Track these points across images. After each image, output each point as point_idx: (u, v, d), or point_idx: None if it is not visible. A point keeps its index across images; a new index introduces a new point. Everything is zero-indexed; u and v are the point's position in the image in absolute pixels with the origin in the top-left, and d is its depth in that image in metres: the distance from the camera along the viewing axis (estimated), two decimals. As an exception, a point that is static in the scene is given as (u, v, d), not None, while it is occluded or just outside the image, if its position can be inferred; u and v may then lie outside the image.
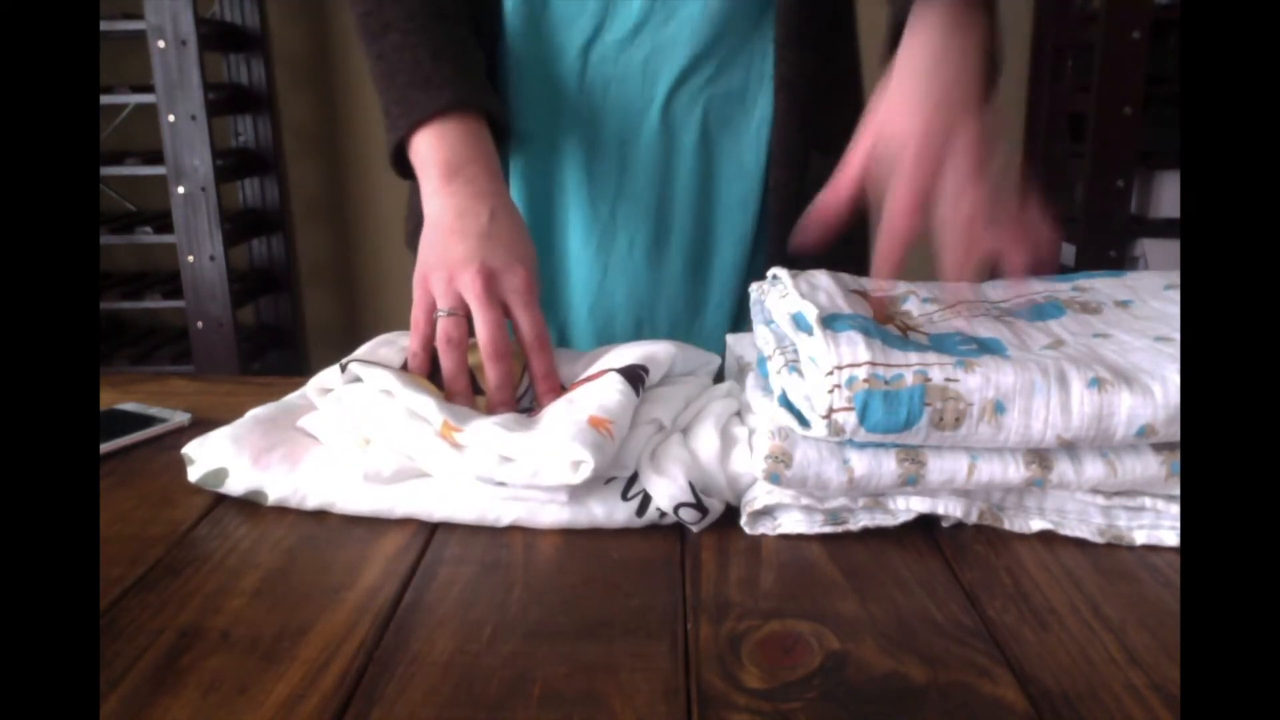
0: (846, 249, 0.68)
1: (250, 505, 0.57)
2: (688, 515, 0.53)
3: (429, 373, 0.63)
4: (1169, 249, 2.10)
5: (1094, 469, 0.51)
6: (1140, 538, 0.52)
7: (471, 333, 0.63)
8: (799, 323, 0.55)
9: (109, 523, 0.55)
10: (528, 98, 0.80)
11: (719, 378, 0.68)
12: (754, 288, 0.65)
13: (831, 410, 0.50)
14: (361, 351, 0.64)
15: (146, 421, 0.68)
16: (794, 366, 0.53)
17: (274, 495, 0.56)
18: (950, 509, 0.53)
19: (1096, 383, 0.50)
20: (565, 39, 0.78)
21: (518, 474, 0.52)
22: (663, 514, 0.53)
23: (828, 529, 0.53)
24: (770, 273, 0.63)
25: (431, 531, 0.54)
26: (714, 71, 0.78)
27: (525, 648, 0.43)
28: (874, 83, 0.65)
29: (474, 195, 0.67)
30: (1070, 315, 0.61)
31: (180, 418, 0.69)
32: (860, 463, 0.51)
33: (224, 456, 0.57)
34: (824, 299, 0.56)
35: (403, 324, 0.66)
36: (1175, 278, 0.65)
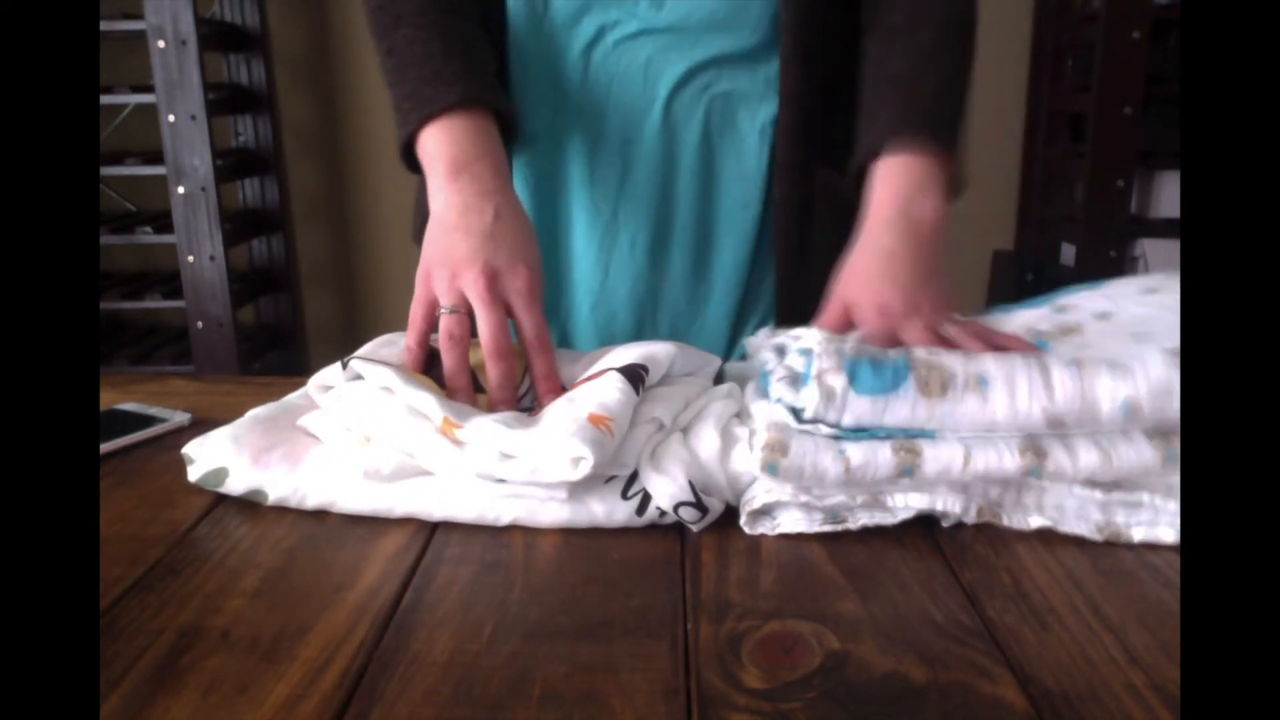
0: None
1: (250, 505, 0.57)
2: (688, 514, 0.53)
3: (425, 368, 0.63)
4: (1169, 249, 2.10)
5: (1089, 457, 0.51)
6: (1138, 534, 0.52)
7: (473, 331, 0.63)
8: (788, 347, 0.57)
9: (109, 523, 0.55)
10: (531, 96, 0.80)
11: (719, 379, 0.68)
12: (748, 342, 0.69)
13: (822, 372, 0.50)
14: (363, 351, 0.64)
15: (146, 421, 0.68)
16: (793, 382, 0.54)
17: (274, 495, 0.56)
18: (949, 505, 0.53)
19: (1076, 364, 0.52)
20: (568, 39, 0.78)
21: (517, 471, 0.52)
22: (663, 513, 0.53)
23: (827, 528, 0.53)
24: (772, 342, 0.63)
25: (431, 531, 0.54)
26: (718, 74, 0.78)
27: (525, 648, 0.43)
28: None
29: (479, 192, 0.67)
30: (1055, 346, 0.62)
31: (180, 418, 0.69)
32: (856, 453, 0.51)
33: (224, 456, 0.57)
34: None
35: (403, 323, 0.66)
36: (1153, 281, 0.65)
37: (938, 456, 0.52)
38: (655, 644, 0.43)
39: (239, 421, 0.61)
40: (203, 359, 2.15)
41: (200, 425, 0.67)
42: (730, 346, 0.86)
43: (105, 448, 0.64)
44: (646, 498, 0.54)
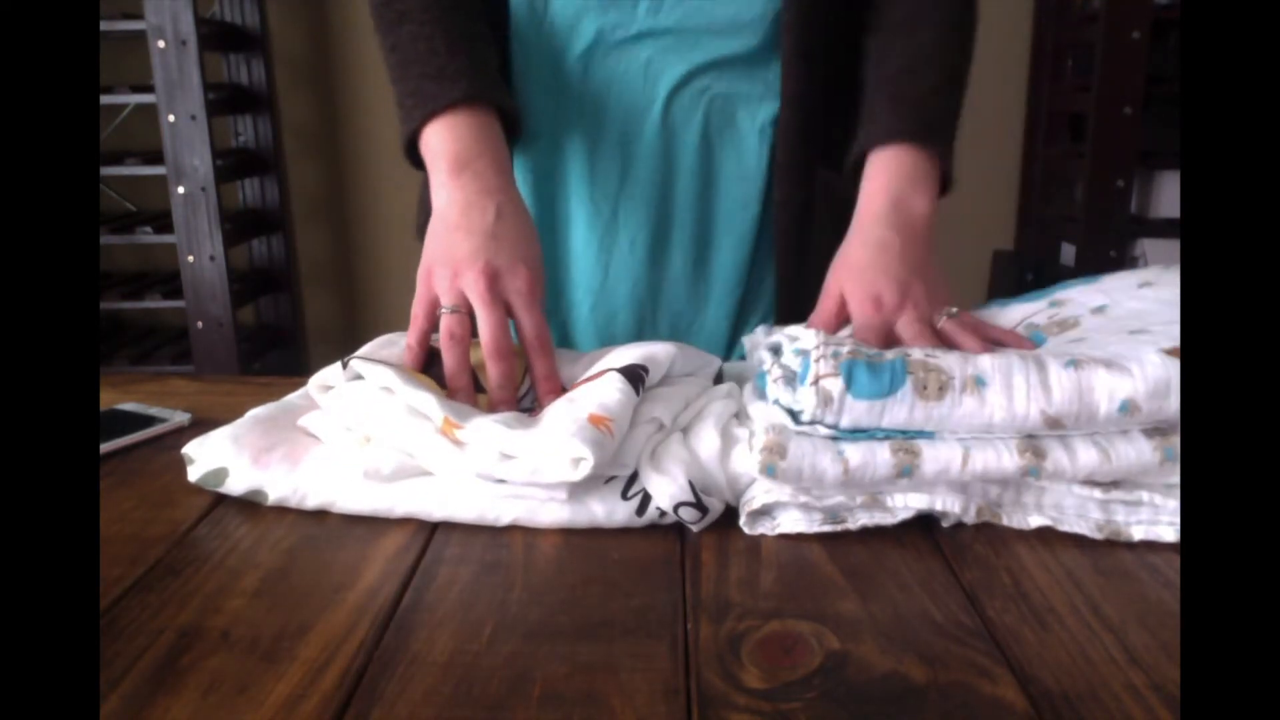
0: None
1: (250, 505, 0.57)
2: (688, 514, 0.53)
3: (425, 367, 0.63)
4: (1169, 249, 2.10)
5: (1088, 456, 0.51)
6: (1138, 533, 0.52)
7: (474, 330, 0.63)
8: (784, 347, 0.57)
9: (109, 523, 0.55)
10: (533, 94, 0.80)
11: (719, 379, 0.68)
12: (746, 339, 0.69)
13: (819, 377, 0.51)
14: (364, 351, 0.64)
15: (146, 421, 0.68)
16: (789, 382, 0.54)
17: (274, 495, 0.56)
18: (948, 505, 0.53)
19: (1073, 363, 0.52)
20: (568, 39, 0.78)
21: (518, 471, 0.52)
22: (662, 513, 0.53)
23: (827, 528, 0.53)
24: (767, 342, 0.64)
25: (431, 531, 0.54)
26: (717, 75, 0.78)
27: (525, 648, 0.43)
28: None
29: (481, 190, 0.67)
30: (1051, 340, 0.62)
31: (180, 418, 0.69)
32: (855, 454, 0.51)
33: (224, 456, 0.57)
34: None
35: (403, 323, 0.66)
36: (1148, 275, 0.65)
37: (936, 457, 0.52)
38: (655, 644, 0.43)
39: (239, 421, 0.61)
40: (203, 359, 2.15)
41: (200, 425, 0.67)
42: (730, 346, 0.86)
43: (105, 448, 0.64)
44: (646, 498, 0.54)
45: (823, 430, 0.52)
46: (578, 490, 0.53)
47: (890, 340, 0.63)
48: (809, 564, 0.50)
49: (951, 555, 0.51)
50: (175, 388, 0.78)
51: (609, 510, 0.54)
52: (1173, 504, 0.52)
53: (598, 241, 0.83)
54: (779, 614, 0.46)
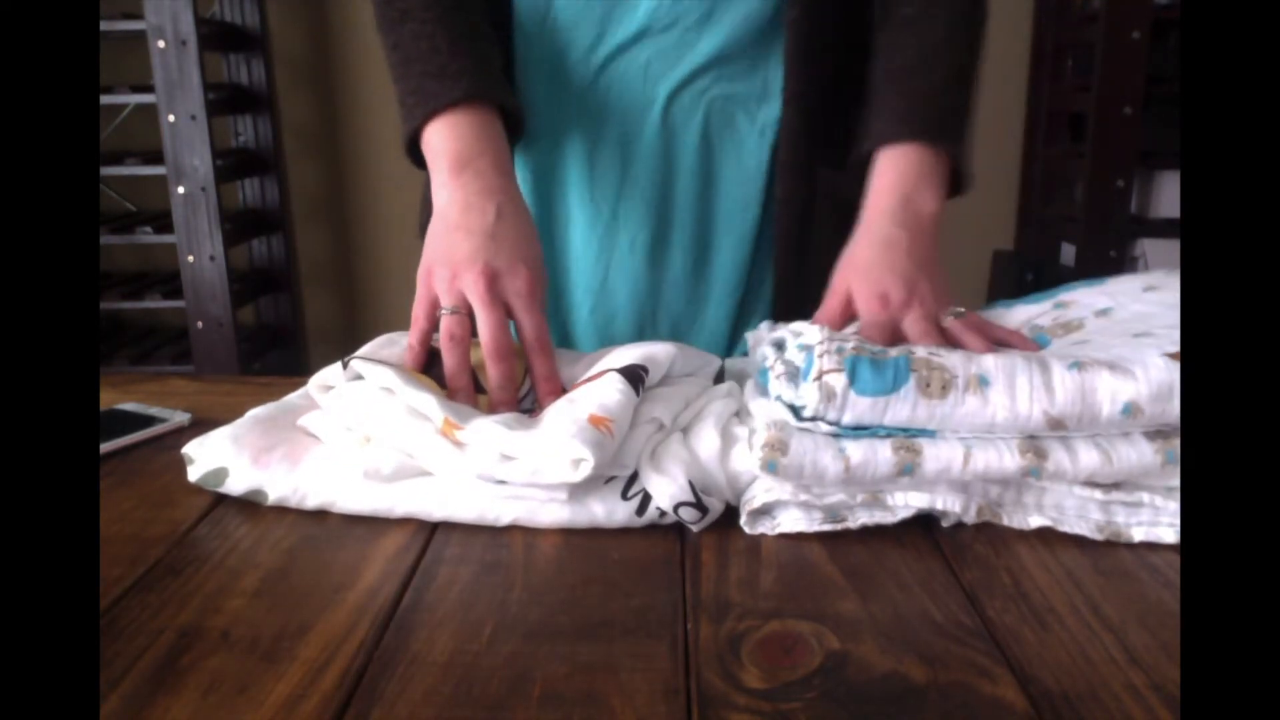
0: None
1: (250, 505, 0.57)
2: (688, 514, 0.53)
3: (425, 367, 0.63)
4: (1169, 249, 2.10)
5: (1089, 458, 0.51)
6: (1138, 534, 0.52)
7: (474, 331, 0.63)
8: (788, 342, 0.57)
9: (109, 523, 0.55)
10: (535, 94, 0.80)
11: (719, 379, 0.68)
12: (749, 334, 0.69)
13: (822, 372, 0.51)
14: (364, 351, 0.64)
15: (146, 421, 0.68)
16: (792, 377, 0.53)
17: (274, 495, 0.56)
18: (949, 504, 0.53)
19: (1077, 365, 0.52)
20: (571, 39, 0.78)
21: (518, 472, 0.52)
22: (663, 513, 0.53)
23: (827, 527, 0.53)
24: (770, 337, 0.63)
25: (431, 531, 0.54)
26: (717, 77, 0.78)
27: (525, 648, 0.43)
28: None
29: (482, 190, 0.67)
30: (1055, 342, 0.63)
31: (180, 418, 0.69)
32: (856, 451, 0.51)
33: (224, 456, 0.57)
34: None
35: (403, 323, 0.66)
36: (1153, 279, 0.65)
37: (938, 455, 0.52)
38: (655, 644, 0.43)
39: (239, 421, 0.61)
40: (203, 359, 2.15)
41: (200, 425, 0.67)
42: (730, 347, 0.86)
43: (105, 448, 0.64)
44: (646, 498, 0.54)
45: (824, 427, 0.52)
46: (578, 490, 0.53)
47: (896, 338, 0.63)
48: (809, 564, 0.50)
49: (951, 555, 0.51)
50: (175, 388, 0.78)
51: (609, 510, 0.54)
52: (1173, 506, 0.52)
53: (598, 242, 0.83)
54: (779, 614, 0.46)
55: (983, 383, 0.51)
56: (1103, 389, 0.50)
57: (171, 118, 2.00)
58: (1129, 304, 0.63)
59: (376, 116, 2.39)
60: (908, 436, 0.52)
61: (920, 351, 0.53)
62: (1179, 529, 0.52)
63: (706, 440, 0.56)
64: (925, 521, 0.54)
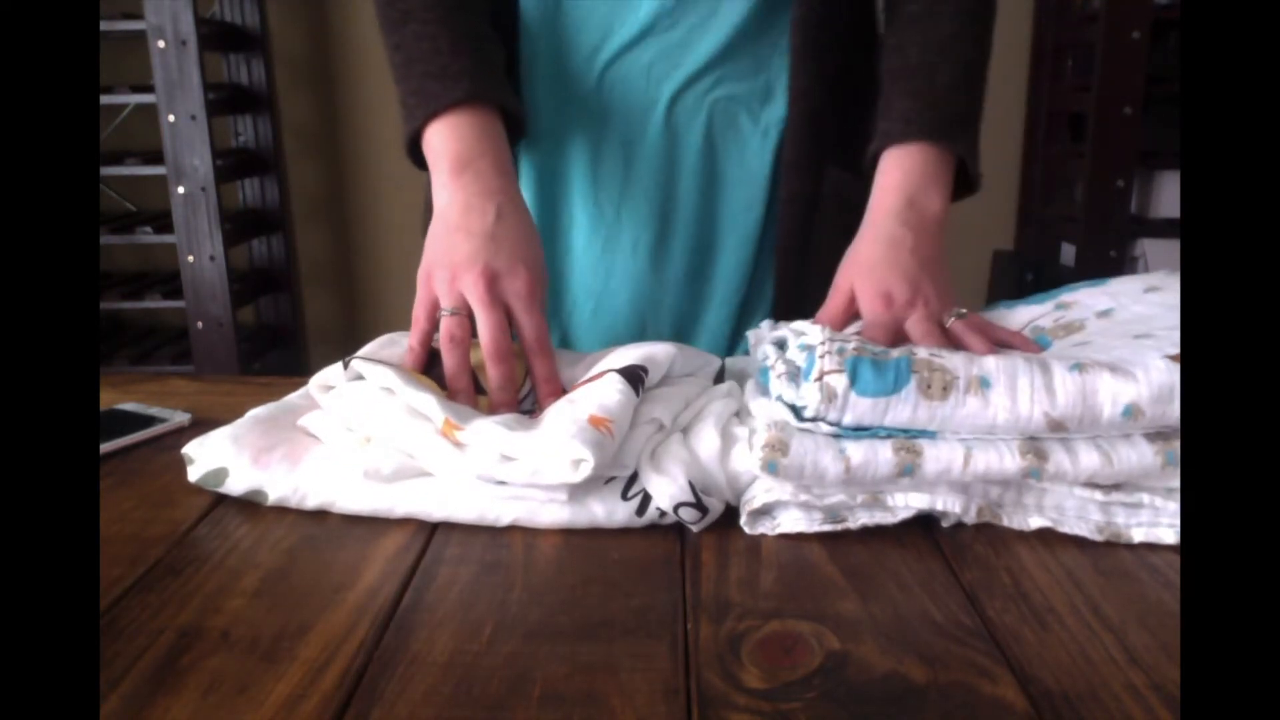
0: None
1: (250, 505, 0.57)
2: (688, 515, 0.53)
3: (426, 368, 0.63)
4: (1169, 249, 2.10)
5: (1089, 459, 0.51)
6: (1138, 535, 0.52)
7: (474, 332, 0.63)
8: (789, 342, 0.57)
9: (109, 523, 0.55)
10: (539, 95, 0.80)
11: (719, 379, 0.68)
12: (750, 333, 0.69)
13: (824, 373, 0.51)
14: (365, 351, 0.64)
15: (146, 421, 0.68)
16: (793, 377, 0.53)
17: (274, 495, 0.56)
18: (949, 505, 0.53)
19: (1078, 367, 0.51)
20: (576, 40, 0.78)
21: (518, 473, 0.52)
22: (663, 513, 0.53)
23: (827, 527, 0.53)
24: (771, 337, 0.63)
25: (431, 531, 0.54)
26: (720, 77, 0.78)
27: (525, 648, 0.43)
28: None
29: (482, 191, 0.67)
30: (1056, 343, 0.63)
31: (180, 418, 0.69)
32: (856, 452, 0.51)
33: (224, 456, 0.57)
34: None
35: (403, 323, 0.66)
36: (1155, 280, 0.65)
37: (938, 456, 0.52)
38: (655, 644, 0.43)
39: (239, 421, 0.61)
40: (203, 359, 2.15)
41: (200, 425, 0.67)
42: (731, 348, 0.86)
43: (105, 448, 0.64)
44: (646, 498, 0.54)
45: (825, 427, 0.52)
46: (578, 491, 0.53)
47: (899, 338, 0.63)
48: (809, 564, 0.50)
49: (951, 555, 0.51)
50: (175, 388, 0.78)
51: (609, 510, 0.54)
52: (1173, 506, 0.52)
53: (600, 243, 0.83)
54: (779, 614, 0.46)
55: (984, 384, 0.51)
56: (1104, 391, 0.50)
57: (171, 118, 2.00)
58: (1130, 305, 0.63)
59: (376, 116, 2.39)
60: (908, 437, 0.52)
61: (921, 353, 0.53)
62: (1179, 529, 0.52)
63: (706, 440, 0.56)
64: (925, 522, 0.54)
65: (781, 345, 0.59)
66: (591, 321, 0.85)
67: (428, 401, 0.56)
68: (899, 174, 0.70)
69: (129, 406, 0.71)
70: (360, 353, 0.63)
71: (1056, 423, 0.51)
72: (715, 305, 0.85)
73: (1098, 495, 0.53)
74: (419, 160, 0.72)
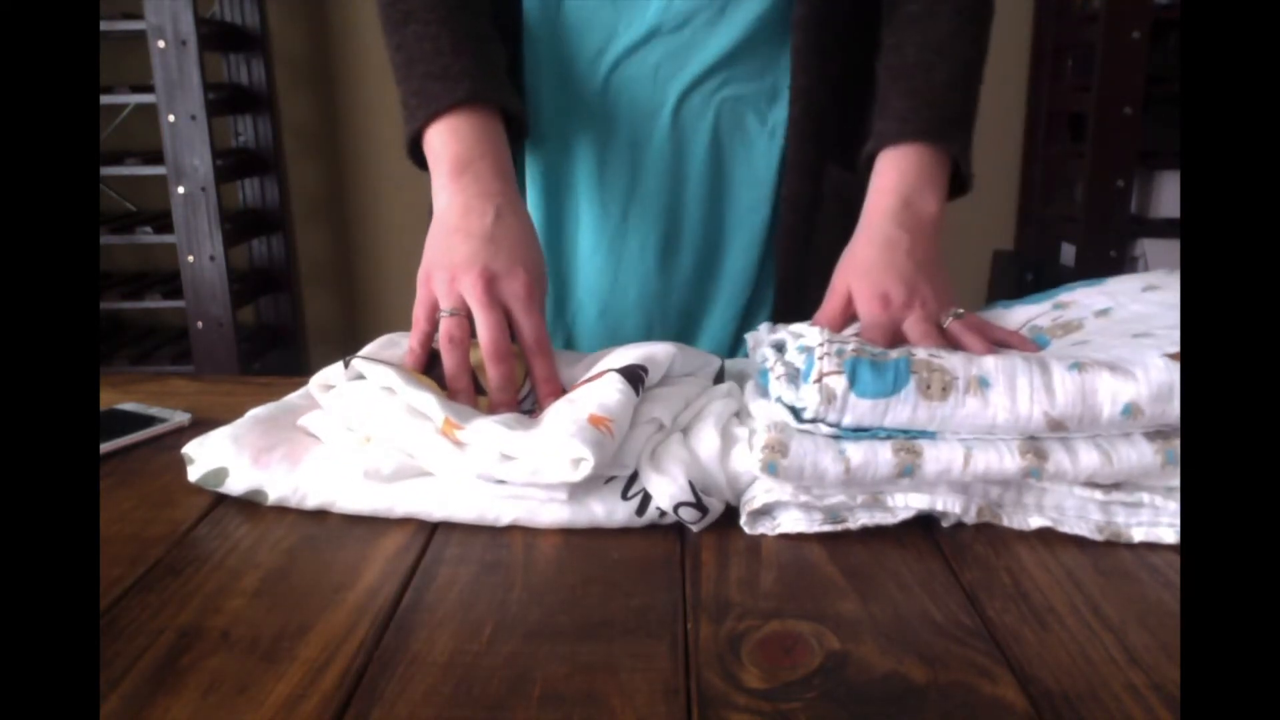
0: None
1: (250, 505, 0.57)
2: (688, 514, 0.53)
3: (426, 369, 0.63)
4: (1169, 249, 2.10)
5: (1089, 458, 0.51)
6: (1138, 535, 0.52)
7: (474, 333, 0.63)
8: (788, 344, 0.57)
9: (109, 523, 0.55)
10: (543, 96, 0.80)
11: (719, 379, 0.68)
12: (749, 335, 0.69)
13: (823, 374, 0.51)
14: (366, 351, 0.64)
15: (146, 421, 0.68)
16: (792, 379, 0.53)
17: (274, 495, 0.56)
18: (949, 505, 0.53)
19: (1077, 366, 0.52)
20: (581, 41, 0.78)
21: (518, 472, 0.52)
22: (663, 513, 0.53)
23: (827, 527, 0.53)
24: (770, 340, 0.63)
25: (431, 531, 0.54)
26: (727, 78, 0.78)
27: (525, 648, 0.43)
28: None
29: (481, 193, 0.67)
30: (1055, 343, 0.63)
31: (180, 418, 0.69)
32: (856, 453, 0.51)
33: (224, 456, 0.57)
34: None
35: (403, 324, 0.66)
36: (1153, 279, 0.65)
37: (938, 457, 0.52)
38: (655, 644, 0.43)
39: (239, 421, 0.61)
40: (203, 359, 2.15)
41: (200, 425, 0.67)
42: (735, 349, 0.86)
43: (105, 448, 0.64)
44: (646, 498, 0.54)
45: (825, 429, 0.52)
46: (578, 490, 0.53)
47: (897, 339, 0.63)
48: (809, 564, 0.50)
49: (951, 555, 0.51)
50: (175, 388, 0.78)
51: (609, 510, 0.54)
52: (1173, 506, 0.52)
53: (607, 245, 0.83)
54: (779, 614, 0.46)
55: (983, 384, 0.51)
56: (1103, 390, 0.50)
57: (171, 118, 2.00)
58: (1129, 304, 0.63)
59: (376, 116, 2.39)
60: (908, 438, 0.52)
61: (920, 353, 0.53)
62: (1179, 529, 0.52)
63: (706, 440, 0.56)
64: (925, 522, 0.54)
65: (780, 348, 0.59)
66: (598, 323, 0.85)
67: (428, 401, 0.56)
68: (895, 175, 0.70)
69: (129, 406, 0.71)
70: (361, 353, 0.63)
71: (1056, 422, 0.51)
72: (721, 306, 0.85)
73: (1098, 495, 0.53)
74: (420, 161, 0.72)
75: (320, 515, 0.56)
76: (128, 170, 2.08)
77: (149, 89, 2.00)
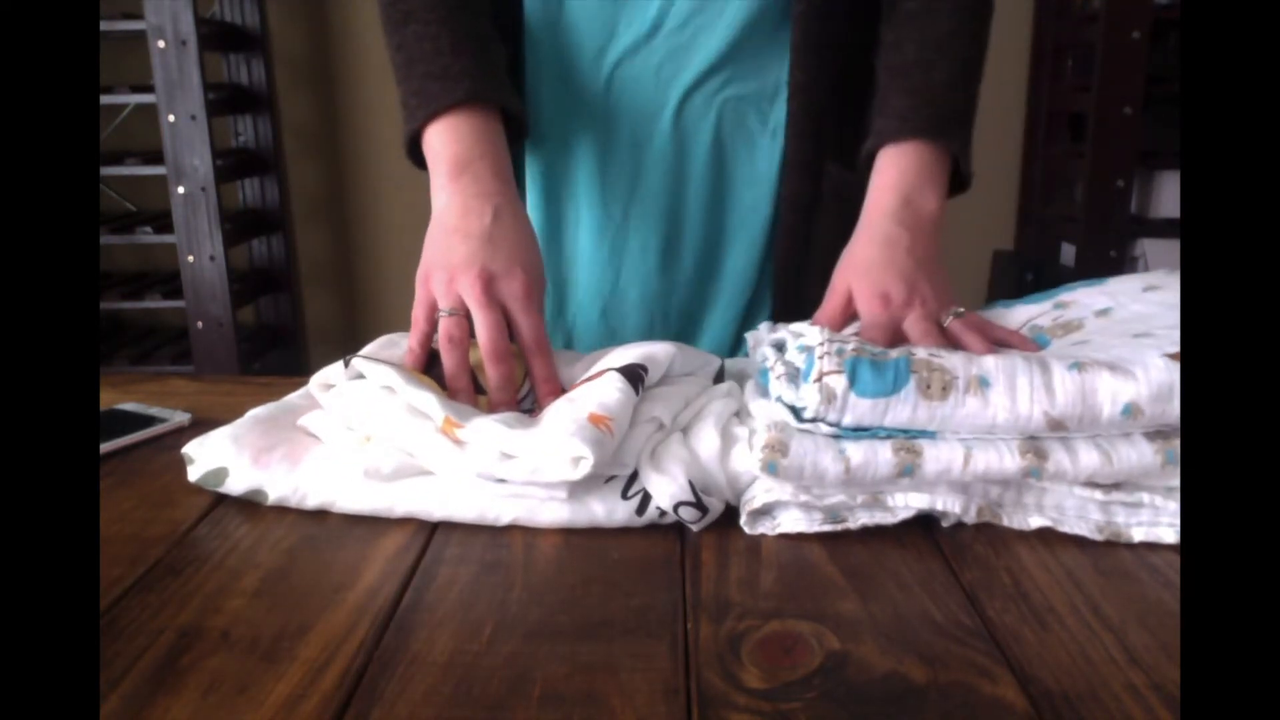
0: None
1: (250, 505, 0.57)
2: (688, 514, 0.53)
3: (426, 369, 0.63)
4: (1169, 249, 2.10)
5: (1089, 458, 0.51)
6: (1138, 534, 0.52)
7: (474, 333, 0.63)
8: (788, 343, 0.57)
9: (109, 523, 0.55)
10: (545, 96, 0.80)
11: (719, 378, 0.68)
12: (749, 335, 0.69)
13: (823, 374, 0.51)
14: (366, 351, 0.64)
15: (146, 421, 0.68)
16: (792, 379, 0.53)
17: (274, 495, 0.56)
18: (949, 505, 0.53)
19: (1077, 366, 0.52)
20: (582, 41, 0.78)
21: (518, 470, 0.52)
22: (663, 513, 0.53)
23: (827, 527, 0.53)
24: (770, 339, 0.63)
25: (431, 531, 0.54)
26: (729, 77, 0.78)
27: (525, 648, 0.43)
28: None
29: (479, 194, 0.67)
30: (1055, 342, 0.62)
31: (180, 418, 0.69)
32: (856, 453, 0.51)
33: (224, 456, 0.57)
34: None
35: (403, 324, 0.66)
36: (1153, 279, 0.65)
37: (938, 456, 0.52)
38: (655, 644, 0.43)
39: (239, 421, 0.61)
40: (203, 359, 2.15)
41: (200, 425, 0.67)
42: (735, 349, 0.86)
43: (105, 448, 0.64)
44: (646, 497, 0.54)
45: (825, 428, 0.52)
46: (578, 490, 0.53)
47: (897, 338, 0.63)
48: (809, 564, 0.50)
49: (951, 555, 0.51)
50: (175, 388, 0.78)
51: (609, 510, 0.54)
52: (1173, 506, 0.52)
53: (609, 245, 0.83)
54: (779, 614, 0.46)
55: (983, 384, 0.51)
56: (1103, 390, 0.50)
57: (171, 118, 2.00)
58: (1129, 304, 0.63)
59: (376, 116, 2.39)
60: (908, 438, 0.52)
61: (921, 353, 0.53)
62: (1179, 529, 0.52)
63: (706, 440, 0.56)
64: (925, 522, 0.54)
65: (780, 347, 0.59)
66: (599, 323, 0.85)
67: (428, 400, 0.56)
68: (895, 173, 0.70)
69: (129, 406, 0.71)
70: (361, 352, 0.63)
71: (1056, 422, 0.51)
72: (722, 306, 0.85)
73: (1098, 495, 0.53)
74: (419, 160, 0.72)
75: (320, 515, 0.56)
76: (128, 170, 2.08)
77: (149, 89, 2.00)
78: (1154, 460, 0.51)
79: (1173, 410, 0.50)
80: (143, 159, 2.08)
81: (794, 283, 0.82)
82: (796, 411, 0.53)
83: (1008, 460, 0.51)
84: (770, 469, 0.51)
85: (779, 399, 0.54)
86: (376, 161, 2.43)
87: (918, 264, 0.66)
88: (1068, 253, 2.23)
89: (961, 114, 0.72)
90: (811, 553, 0.52)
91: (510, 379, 0.61)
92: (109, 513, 0.56)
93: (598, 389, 0.57)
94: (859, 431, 0.52)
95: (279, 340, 2.46)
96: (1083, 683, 0.40)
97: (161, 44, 1.96)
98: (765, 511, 0.54)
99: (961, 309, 0.64)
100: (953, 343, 0.62)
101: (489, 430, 0.53)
